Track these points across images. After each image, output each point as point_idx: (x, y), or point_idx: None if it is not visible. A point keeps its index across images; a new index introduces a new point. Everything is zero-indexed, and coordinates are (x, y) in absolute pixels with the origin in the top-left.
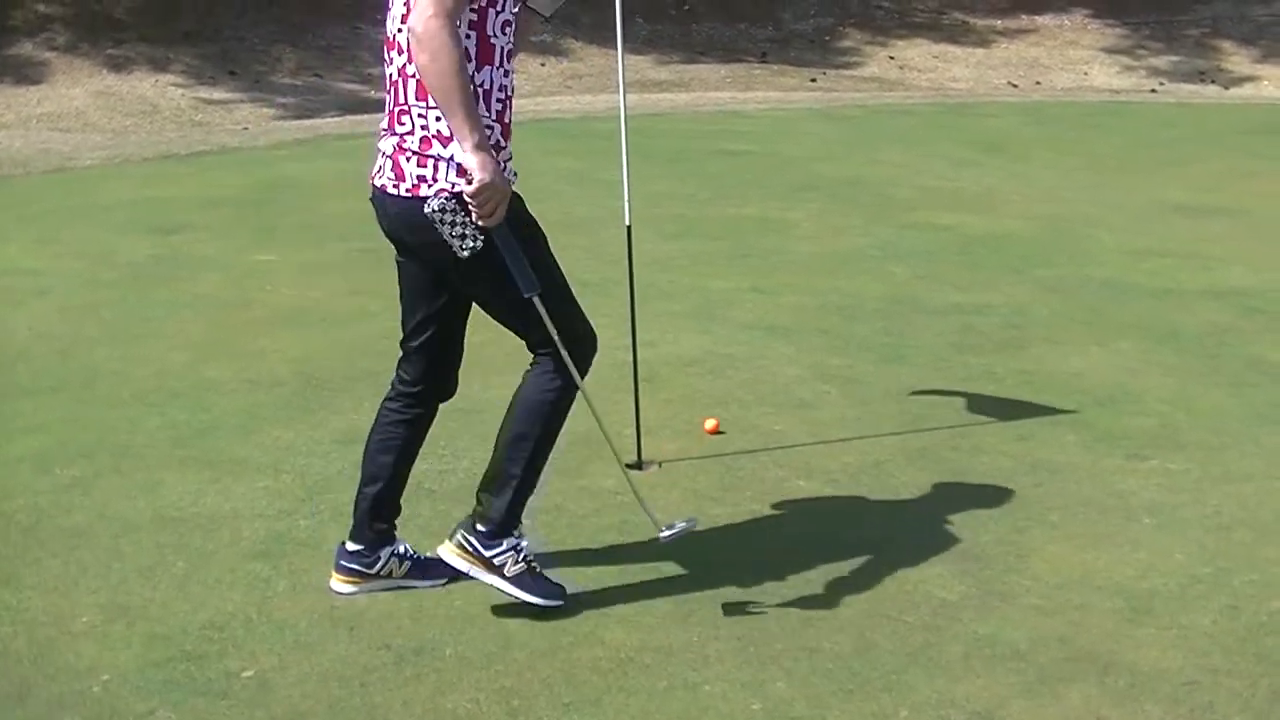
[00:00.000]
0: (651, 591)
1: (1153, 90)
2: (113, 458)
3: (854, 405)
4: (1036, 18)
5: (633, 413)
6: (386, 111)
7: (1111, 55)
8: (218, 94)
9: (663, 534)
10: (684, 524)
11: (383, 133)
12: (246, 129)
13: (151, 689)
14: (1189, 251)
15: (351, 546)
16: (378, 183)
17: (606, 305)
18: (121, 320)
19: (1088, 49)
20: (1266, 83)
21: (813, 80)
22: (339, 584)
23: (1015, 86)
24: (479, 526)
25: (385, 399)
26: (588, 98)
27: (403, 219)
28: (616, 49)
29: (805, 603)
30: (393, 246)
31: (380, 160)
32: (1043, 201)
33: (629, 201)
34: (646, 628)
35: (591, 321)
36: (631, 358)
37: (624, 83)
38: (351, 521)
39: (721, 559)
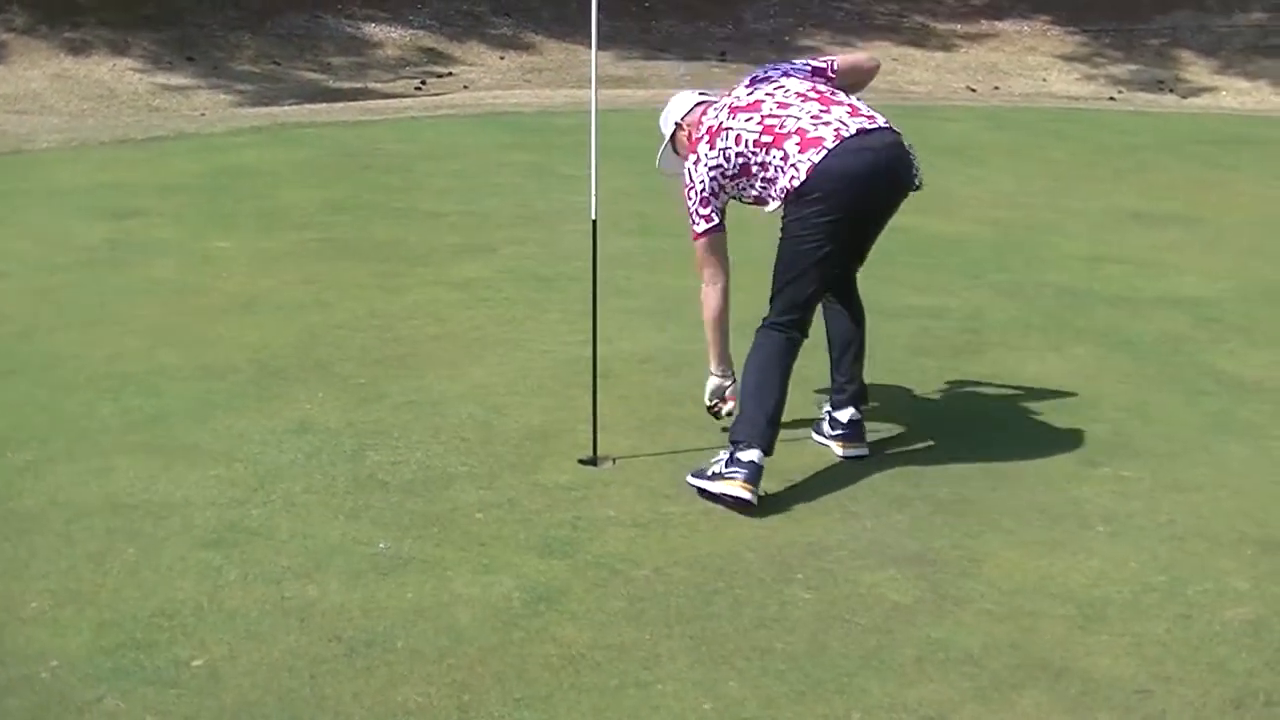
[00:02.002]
0: (604, 589)
1: (1111, 98)
2: (66, 442)
3: (810, 406)
4: (997, 23)
5: (589, 409)
6: None
7: (1070, 62)
8: (176, 80)
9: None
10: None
11: None
12: (204, 115)
13: (100, 676)
14: (1145, 259)
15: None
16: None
17: (563, 301)
18: (77, 305)
19: (1047, 55)
20: (1224, 93)
21: None
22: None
23: (974, 91)
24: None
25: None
26: (547, 92)
27: None
28: (582, 44)
29: (758, 603)
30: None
31: None
32: (1000, 206)
33: (595, 196)
34: (598, 625)
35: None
36: (589, 353)
37: (595, 79)
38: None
39: (675, 558)
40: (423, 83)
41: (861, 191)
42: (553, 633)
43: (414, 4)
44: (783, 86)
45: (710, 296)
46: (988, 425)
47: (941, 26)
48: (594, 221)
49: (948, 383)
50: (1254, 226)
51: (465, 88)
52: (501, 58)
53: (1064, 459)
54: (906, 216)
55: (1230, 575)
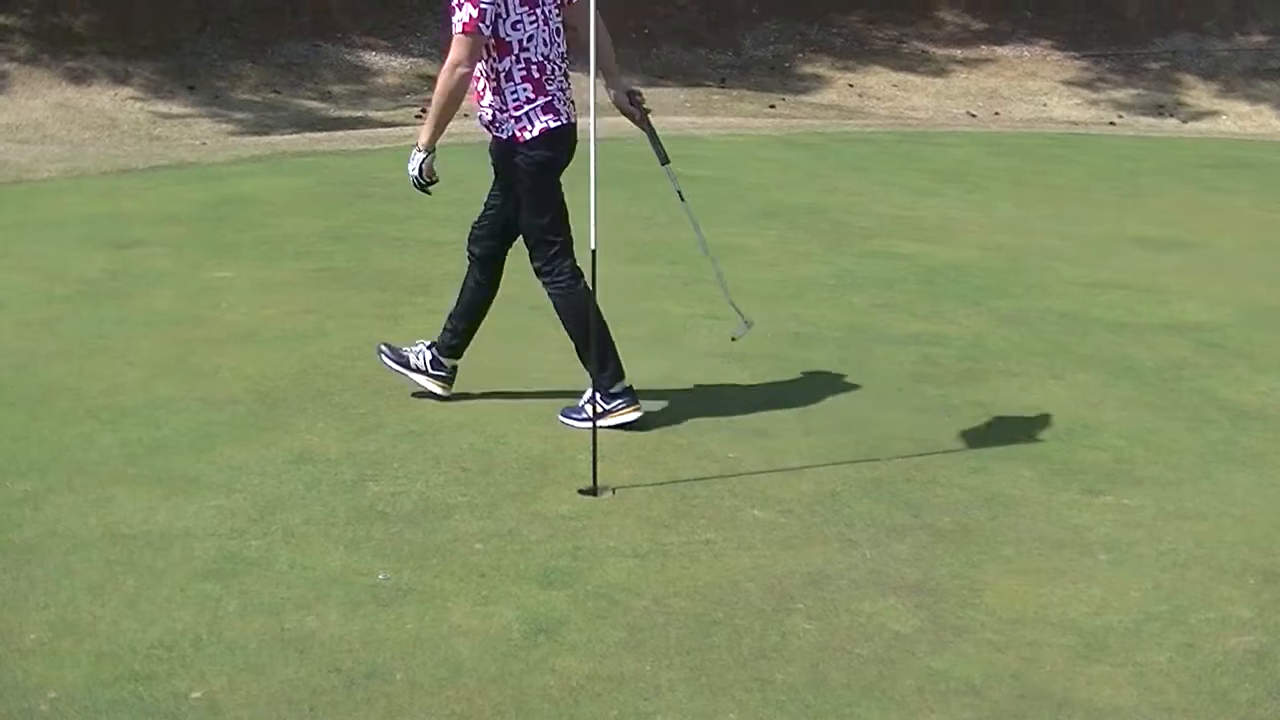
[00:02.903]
0: (604, 620)
1: (1111, 123)
2: (65, 473)
3: (810, 434)
4: (996, 48)
5: (588, 438)
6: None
7: (1071, 87)
8: (176, 109)
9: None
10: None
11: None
12: (204, 144)
13: (99, 708)
14: (1147, 285)
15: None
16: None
17: (558, 329)
18: (76, 335)
19: (1047, 80)
20: (1225, 117)
21: (771, 106)
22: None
23: (974, 116)
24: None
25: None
26: None
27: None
28: (580, 71)
29: (758, 634)
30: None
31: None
32: (1001, 232)
33: (594, 226)
34: (598, 656)
35: None
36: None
37: (595, 106)
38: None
39: (674, 588)
40: (423, 111)
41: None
42: (552, 664)
43: (413, 32)
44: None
45: (461, 80)
46: (989, 453)
47: (941, 52)
48: (593, 251)
49: (949, 410)
50: (1255, 251)
51: (465, 116)
52: None
53: (1065, 487)
54: (907, 243)
55: (1233, 604)
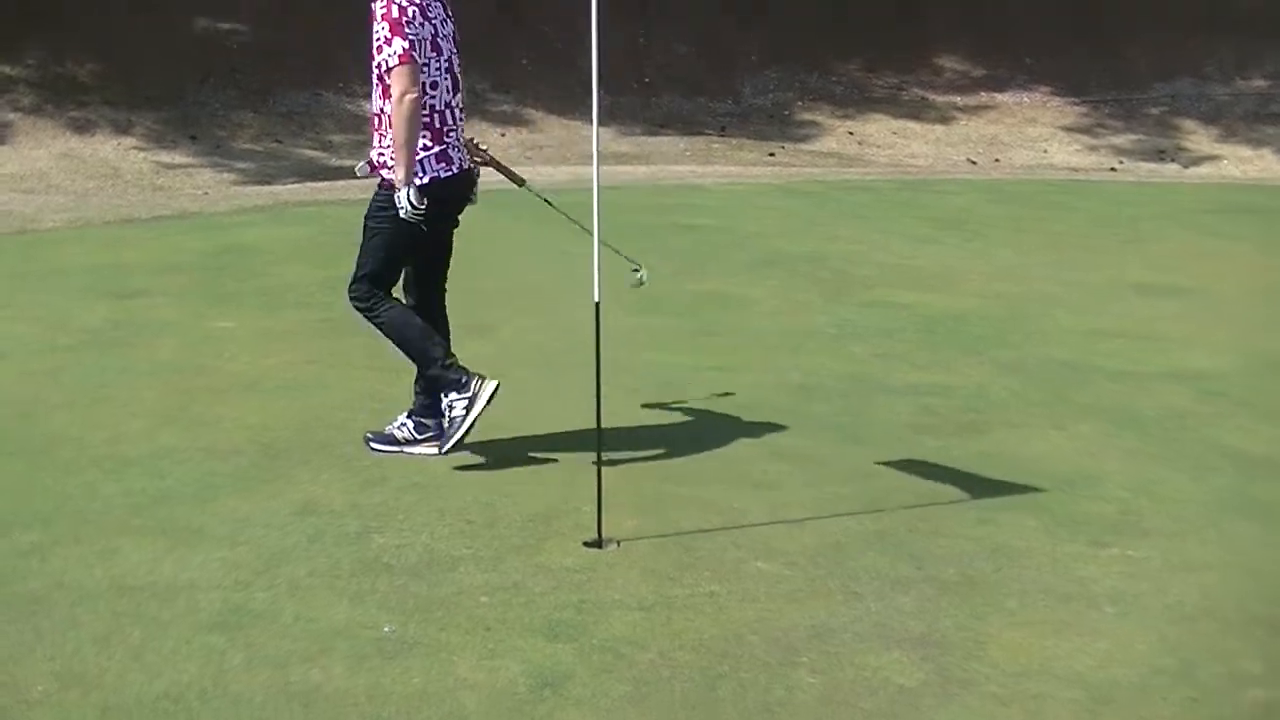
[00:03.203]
0: (610, 674)
1: (1112, 169)
2: (70, 524)
3: (813, 485)
4: (996, 95)
5: (593, 490)
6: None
7: (1071, 133)
8: (179, 158)
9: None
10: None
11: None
12: (207, 194)
13: None
14: (1148, 332)
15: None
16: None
17: (565, 380)
18: (79, 385)
19: (1047, 126)
20: (1226, 161)
21: (771, 154)
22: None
23: (974, 163)
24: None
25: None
26: (548, 169)
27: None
28: (582, 120)
29: (763, 687)
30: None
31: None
32: (1002, 280)
33: (598, 278)
34: (604, 711)
35: None
36: (592, 434)
37: (598, 163)
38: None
39: (679, 642)
40: None
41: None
42: (558, 718)
43: None
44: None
45: (413, 105)
46: (991, 504)
47: (940, 99)
48: (597, 304)
49: (950, 461)
50: (1257, 297)
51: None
52: (502, 134)
53: (1071, 538)
54: (907, 292)
55: (1241, 657)
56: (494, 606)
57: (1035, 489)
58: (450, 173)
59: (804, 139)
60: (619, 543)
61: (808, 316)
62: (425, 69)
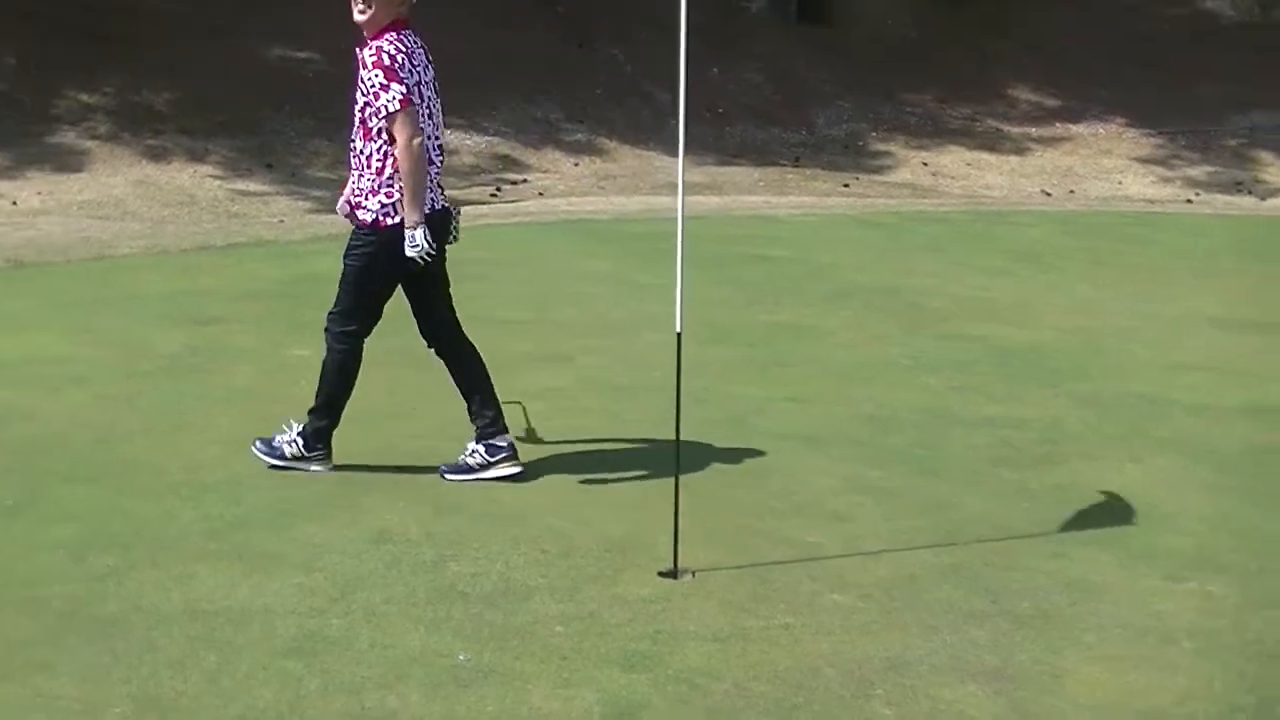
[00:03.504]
0: (685, 704)
1: (1188, 200)
2: (147, 549)
3: (888, 518)
4: (1071, 126)
5: (668, 520)
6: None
7: (1146, 165)
8: (254, 186)
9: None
10: None
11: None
12: (282, 222)
13: None
14: (1226, 366)
15: None
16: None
17: (640, 410)
18: (157, 411)
19: (1123, 158)
20: None
21: (846, 185)
22: None
23: (1049, 195)
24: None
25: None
26: (620, 199)
27: None
28: (655, 150)
29: None
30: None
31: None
32: (1077, 313)
33: (680, 309)
34: None
35: None
36: (667, 465)
37: (682, 184)
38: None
39: (754, 673)
40: (498, 189)
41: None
42: None
43: (488, 111)
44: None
45: (420, 149)
46: (1067, 538)
47: (1015, 130)
48: (679, 335)
49: (1026, 494)
50: None
51: (540, 194)
52: (575, 164)
53: (1147, 573)
54: (982, 324)
55: None
56: (569, 636)
57: (1111, 523)
58: (426, 210)
59: (878, 170)
60: (694, 573)
61: (882, 348)
62: None
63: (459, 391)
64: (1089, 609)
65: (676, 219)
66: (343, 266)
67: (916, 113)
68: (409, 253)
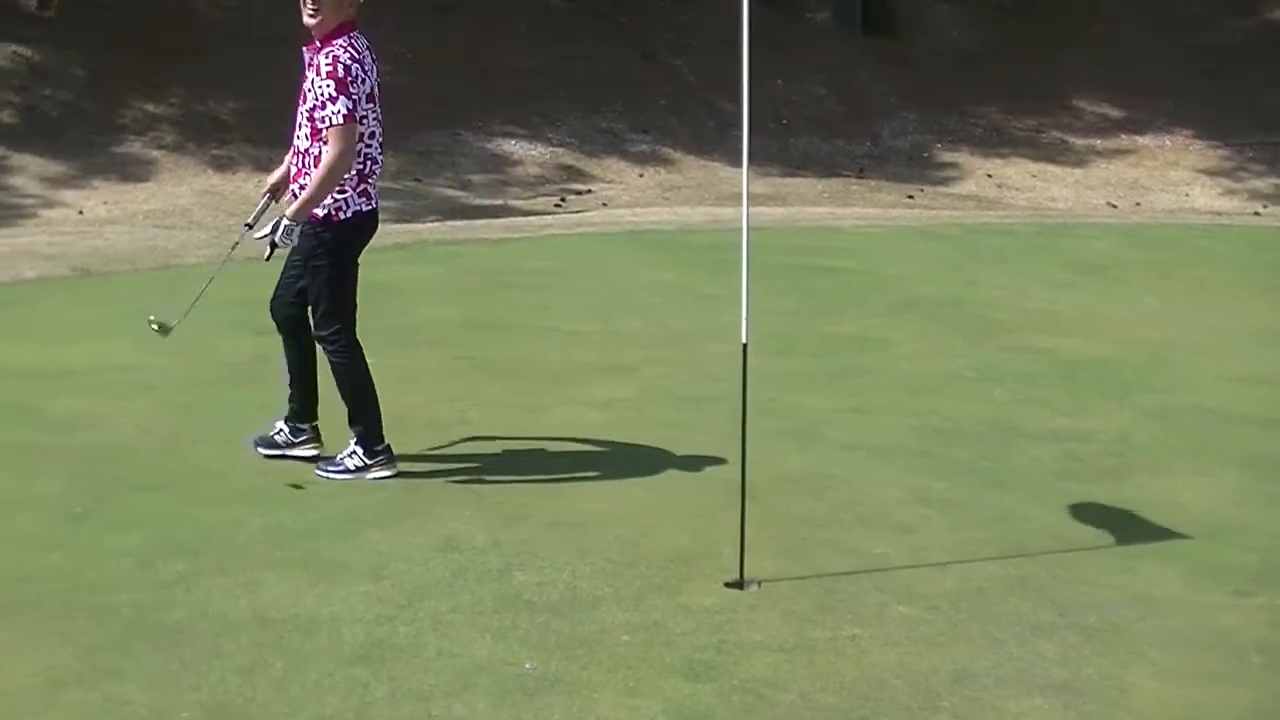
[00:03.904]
0: (750, 715)
1: (1256, 213)
2: (215, 556)
3: (955, 530)
4: (1137, 138)
5: (734, 530)
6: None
7: (1213, 177)
8: None
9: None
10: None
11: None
12: None
13: None
14: None
15: None
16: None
17: (706, 422)
18: (223, 419)
19: (1189, 170)
20: None
21: (910, 197)
22: None
23: (1115, 207)
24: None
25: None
26: (685, 209)
27: None
28: (720, 161)
29: None
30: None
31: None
32: (1143, 325)
33: (747, 319)
34: None
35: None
36: (732, 475)
37: (746, 195)
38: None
39: (820, 684)
40: (562, 199)
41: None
42: None
43: (553, 121)
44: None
45: (348, 166)
46: (1134, 551)
47: (1080, 142)
48: (744, 346)
49: (1093, 507)
50: None
51: (604, 205)
52: (640, 175)
53: (1214, 587)
54: (1048, 337)
55: None
56: (635, 645)
57: (1178, 536)
58: (370, 206)
59: (943, 181)
60: (760, 584)
61: (947, 360)
62: (364, 120)
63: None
64: (1156, 623)
65: (741, 230)
66: (307, 270)
67: (981, 124)
68: (270, 238)
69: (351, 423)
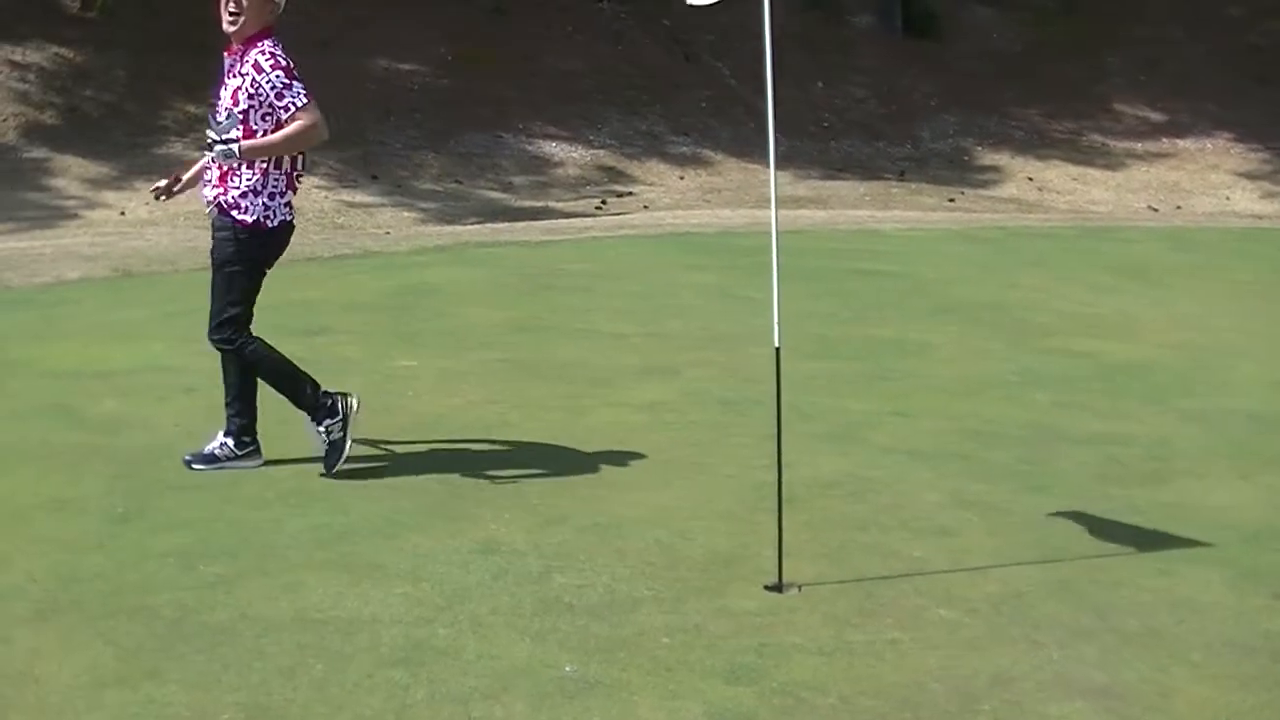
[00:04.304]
0: (790, 717)
1: None
2: (255, 557)
3: (995, 533)
4: (1177, 141)
5: (774, 534)
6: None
7: (1254, 180)
8: (360, 197)
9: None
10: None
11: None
12: (388, 233)
13: None
14: None
15: None
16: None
17: (745, 425)
18: (264, 420)
19: (1229, 173)
20: None
21: (951, 200)
22: None
23: (1155, 210)
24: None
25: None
26: (726, 211)
27: None
28: (761, 163)
29: None
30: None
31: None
32: (1184, 329)
33: (778, 323)
34: None
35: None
36: (772, 478)
37: (776, 209)
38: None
39: (860, 687)
40: (604, 202)
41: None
42: None
43: (594, 124)
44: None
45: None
46: (1175, 555)
47: (1120, 145)
48: (777, 350)
49: (1133, 511)
50: None
51: (645, 207)
52: (681, 177)
53: (1255, 591)
54: (1088, 340)
55: None
56: (675, 648)
57: (1219, 540)
58: (292, 218)
59: (983, 184)
60: (800, 587)
61: (987, 363)
62: None
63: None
64: (1196, 627)
65: (771, 234)
66: (220, 275)
67: (1023, 127)
68: (210, 141)
69: (303, 408)
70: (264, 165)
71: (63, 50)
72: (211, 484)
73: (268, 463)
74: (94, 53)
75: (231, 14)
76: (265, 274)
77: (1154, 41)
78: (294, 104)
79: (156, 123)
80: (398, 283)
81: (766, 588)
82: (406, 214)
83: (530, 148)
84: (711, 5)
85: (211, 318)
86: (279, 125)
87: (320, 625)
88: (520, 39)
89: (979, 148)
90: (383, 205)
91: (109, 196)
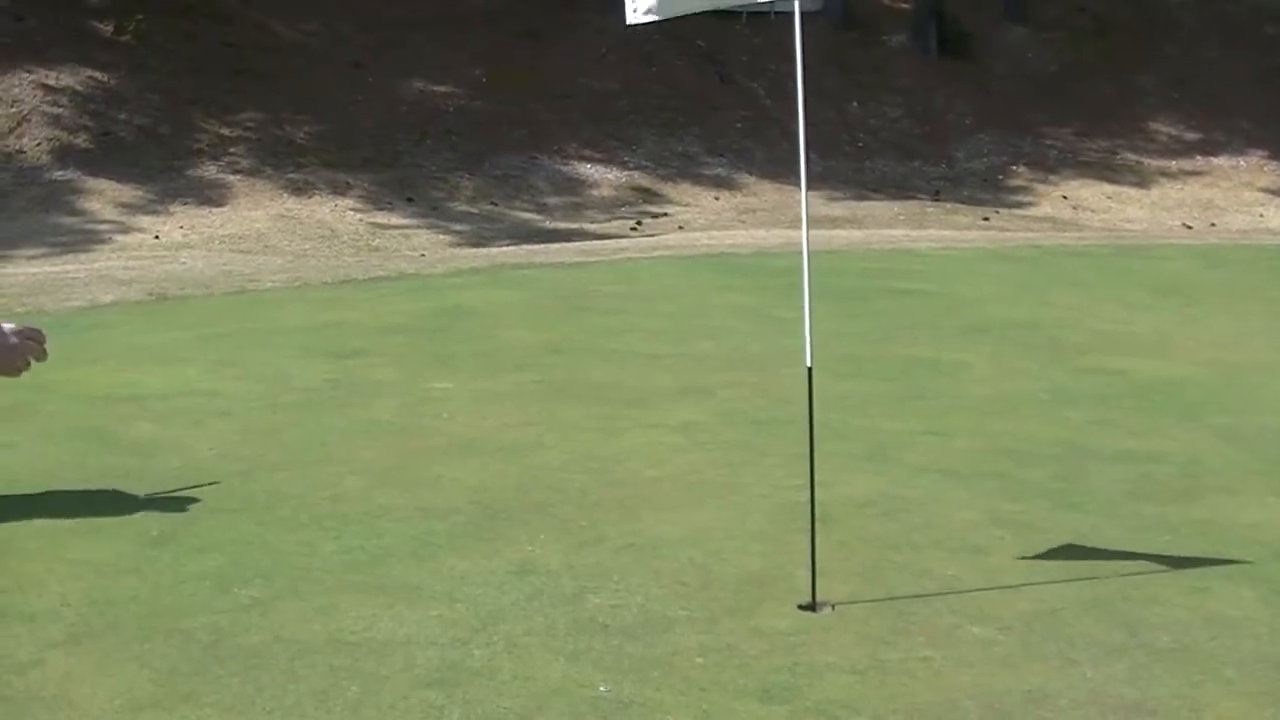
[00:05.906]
0: None
1: None
2: (289, 580)
3: (1028, 552)
4: (1211, 159)
5: (807, 553)
6: None
7: None
8: (395, 220)
9: None
10: None
11: None
12: (423, 255)
13: None
14: None
15: None
16: None
17: (777, 445)
18: (299, 443)
19: (1263, 191)
20: None
21: (985, 219)
22: None
23: (1190, 228)
24: None
25: None
26: (761, 232)
27: None
28: (795, 184)
29: None
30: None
31: None
32: (1218, 347)
33: (810, 342)
34: None
35: None
36: (806, 498)
37: (807, 227)
38: None
39: (893, 705)
40: (638, 223)
41: None
42: None
43: (628, 145)
44: None
45: None
46: (1208, 572)
47: (1154, 163)
48: (809, 369)
49: (1166, 528)
50: None
51: (680, 228)
52: (716, 198)
53: None
54: (1122, 358)
55: None
56: (708, 668)
57: (1252, 557)
58: None
59: (1018, 204)
60: (833, 606)
61: (1021, 382)
62: None
63: None
64: (1229, 643)
65: (811, 251)
66: None
67: (1057, 146)
68: None
69: None
70: None
71: (96, 74)
72: (246, 507)
73: (304, 486)
74: (127, 76)
75: None
76: None
77: (1187, 60)
78: None
79: (190, 146)
80: (432, 305)
81: (800, 607)
82: (441, 236)
83: (565, 169)
84: (651, 23)
85: None
86: None
87: (354, 647)
88: (554, 60)
89: (1013, 167)
90: (418, 227)
91: (143, 220)
